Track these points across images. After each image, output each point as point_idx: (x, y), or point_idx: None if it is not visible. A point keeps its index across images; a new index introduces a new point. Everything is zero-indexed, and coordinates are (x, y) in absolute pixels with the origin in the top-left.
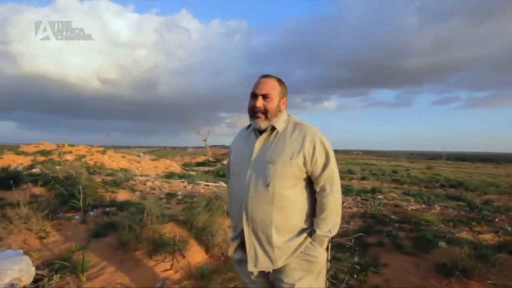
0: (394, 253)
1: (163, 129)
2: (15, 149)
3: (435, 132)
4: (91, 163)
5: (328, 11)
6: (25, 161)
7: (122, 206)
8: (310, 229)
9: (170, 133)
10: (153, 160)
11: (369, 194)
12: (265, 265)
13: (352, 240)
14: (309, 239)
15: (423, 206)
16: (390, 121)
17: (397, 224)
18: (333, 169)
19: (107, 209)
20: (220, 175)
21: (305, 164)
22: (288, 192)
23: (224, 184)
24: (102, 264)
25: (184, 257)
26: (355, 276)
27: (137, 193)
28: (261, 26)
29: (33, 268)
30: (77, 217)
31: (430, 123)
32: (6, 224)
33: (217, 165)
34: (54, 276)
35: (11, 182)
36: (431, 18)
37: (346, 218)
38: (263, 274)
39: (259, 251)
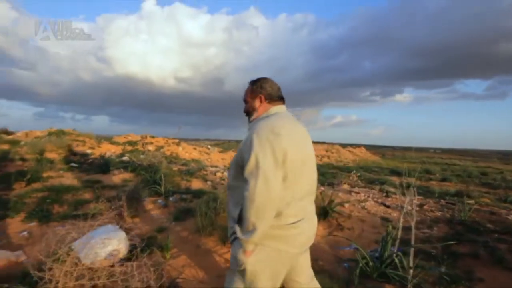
0: (492, 267)
1: (228, 123)
2: (110, 140)
3: None
4: (168, 153)
5: None
6: (117, 150)
7: (197, 194)
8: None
9: (234, 127)
10: (220, 152)
11: (455, 198)
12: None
13: (439, 247)
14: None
15: None
16: (478, 116)
17: (496, 235)
18: (252, 161)
19: (184, 196)
20: None
21: (242, 160)
22: (233, 182)
23: None
24: (182, 245)
25: None
26: None
27: (209, 182)
28: (329, 19)
29: (128, 242)
30: (159, 201)
31: None
32: (105, 202)
33: None
34: (145, 250)
35: (110, 168)
36: None
37: (428, 223)
38: None
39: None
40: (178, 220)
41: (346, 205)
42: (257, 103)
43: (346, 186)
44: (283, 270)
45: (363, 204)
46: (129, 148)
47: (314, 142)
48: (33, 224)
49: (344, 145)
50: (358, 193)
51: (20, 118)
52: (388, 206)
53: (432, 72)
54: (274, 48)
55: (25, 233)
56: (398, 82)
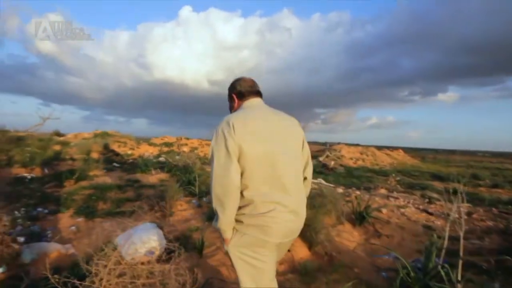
0: None
1: None
2: (148, 141)
3: None
4: (201, 154)
5: None
6: (154, 151)
7: None
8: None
9: None
10: None
11: (510, 206)
12: None
13: (492, 261)
14: None
15: None
16: None
17: None
18: (210, 153)
19: None
20: (317, 172)
21: None
22: None
23: (323, 182)
24: (216, 245)
25: (288, 250)
26: None
27: None
28: (366, 17)
29: (165, 241)
30: (194, 201)
31: None
32: (144, 201)
33: (313, 162)
34: (180, 249)
35: (148, 167)
36: None
37: (478, 233)
38: None
39: None
40: (211, 220)
41: (384, 210)
42: (232, 102)
43: (383, 191)
44: (265, 256)
45: (403, 210)
46: (165, 149)
47: (347, 144)
48: (81, 219)
49: (380, 148)
50: (397, 198)
51: (70, 121)
52: (431, 213)
53: (482, 68)
54: (307, 48)
55: (73, 227)
56: (441, 81)
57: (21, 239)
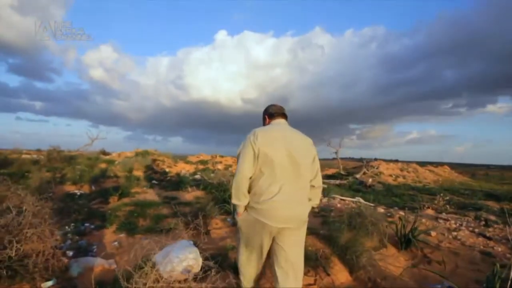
0: None
1: None
2: (184, 159)
3: None
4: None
5: None
6: (190, 168)
7: None
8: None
9: None
10: None
11: None
12: None
13: None
14: None
15: None
16: None
17: None
18: (238, 152)
19: None
20: (354, 190)
21: None
22: None
23: (361, 200)
24: None
25: (328, 274)
26: None
27: None
28: (401, 29)
29: (201, 259)
30: (228, 219)
31: None
32: (181, 218)
33: (349, 179)
34: (215, 268)
35: (184, 185)
36: None
37: None
38: None
39: None
40: None
41: (433, 233)
42: (264, 121)
43: (430, 211)
44: (262, 235)
45: (455, 233)
46: (200, 167)
47: (386, 160)
48: (122, 235)
49: (422, 164)
50: (447, 220)
51: (115, 141)
52: (489, 238)
53: None
54: (340, 64)
55: (116, 243)
56: (489, 91)
57: (70, 253)
